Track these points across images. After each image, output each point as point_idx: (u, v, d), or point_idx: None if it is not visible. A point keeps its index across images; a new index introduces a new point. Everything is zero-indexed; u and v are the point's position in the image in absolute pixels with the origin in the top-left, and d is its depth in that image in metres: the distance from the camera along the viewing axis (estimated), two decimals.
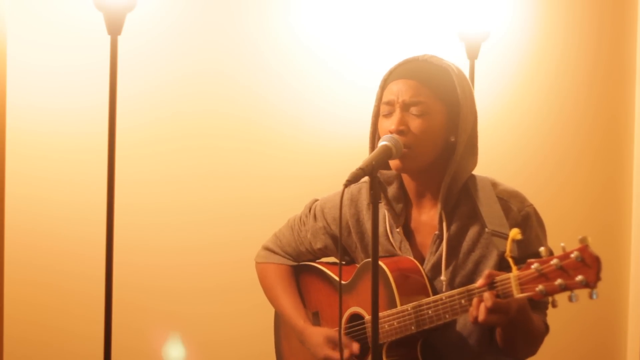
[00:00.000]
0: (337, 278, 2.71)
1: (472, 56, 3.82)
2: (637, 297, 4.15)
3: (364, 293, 2.60)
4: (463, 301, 2.40)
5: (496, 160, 3.94)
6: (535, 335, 2.50)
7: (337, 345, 2.62)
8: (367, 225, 2.67)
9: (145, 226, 3.77)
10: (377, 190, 2.34)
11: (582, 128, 4.17)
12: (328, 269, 2.78)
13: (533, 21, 4.10)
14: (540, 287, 2.22)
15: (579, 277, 2.17)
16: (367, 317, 2.60)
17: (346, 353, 2.60)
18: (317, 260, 2.83)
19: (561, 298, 2.22)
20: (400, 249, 2.61)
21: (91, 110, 3.69)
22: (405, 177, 2.62)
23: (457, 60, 2.90)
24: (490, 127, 3.88)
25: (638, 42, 4.17)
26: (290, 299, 2.80)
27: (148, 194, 3.78)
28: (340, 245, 2.61)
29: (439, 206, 2.55)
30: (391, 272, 2.53)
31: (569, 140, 4.16)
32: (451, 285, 2.53)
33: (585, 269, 2.17)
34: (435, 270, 2.56)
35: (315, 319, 2.77)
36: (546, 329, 2.55)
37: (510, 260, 2.29)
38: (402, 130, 2.51)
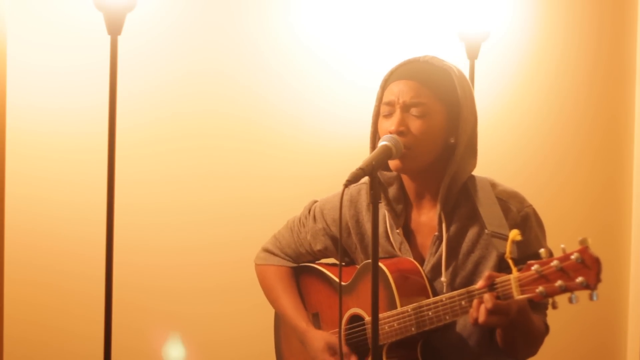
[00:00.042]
0: (337, 279, 2.71)
1: (472, 56, 3.82)
2: (637, 297, 4.15)
3: (364, 294, 2.60)
4: (463, 302, 2.40)
5: (496, 160, 3.94)
6: (536, 336, 2.50)
7: (337, 351, 2.62)
8: (367, 226, 2.67)
9: (145, 226, 3.77)
10: (377, 191, 2.34)
11: (582, 128, 4.17)
12: (328, 270, 2.78)
13: (533, 21, 4.10)
14: (540, 288, 2.22)
15: (579, 279, 2.17)
16: (367, 318, 2.60)
17: None
18: (317, 262, 2.83)
19: (561, 299, 2.23)
20: (400, 250, 2.61)
21: (91, 110, 3.69)
22: (405, 178, 2.62)
23: (457, 60, 2.91)
24: (490, 127, 3.88)
25: (638, 42, 4.17)
26: (290, 300, 2.80)
27: (148, 194, 3.78)
28: (340, 246, 2.61)
29: (438, 207, 2.55)
30: (391, 273, 2.53)
31: (569, 140, 4.16)
32: (451, 286, 2.53)
33: (585, 270, 2.17)
34: (435, 271, 2.56)
35: (315, 320, 2.77)
36: (546, 329, 2.55)
37: (510, 261, 2.29)
38: (402, 131, 2.51)
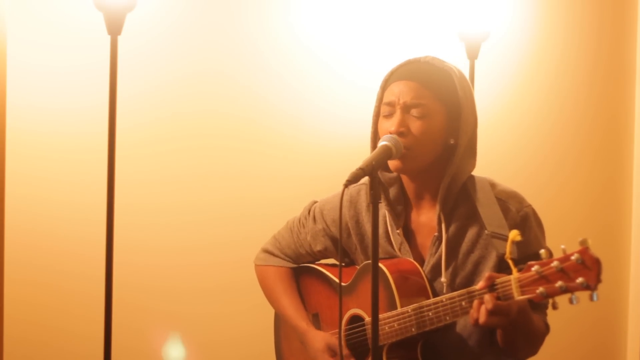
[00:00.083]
0: (337, 280, 2.71)
1: (472, 56, 3.82)
2: (637, 297, 4.15)
3: (364, 295, 2.60)
4: (463, 303, 2.40)
5: (496, 160, 3.94)
6: (536, 336, 2.50)
7: (337, 352, 2.62)
8: (367, 226, 2.67)
9: (145, 226, 3.77)
10: (377, 191, 2.34)
11: (582, 128, 4.17)
12: (328, 270, 2.78)
13: (533, 21, 4.10)
14: (540, 289, 2.22)
15: (580, 280, 2.17)
16: (368, 318, 2.61)
17: None
18: (317, 262, 2.83)
19: (561, 299, 2.23)
20: (400, 250, 2.61)
21: (91, 110, 3.69)
22: (405, 179, 2.62)
23: (457, 60, 2.91)
24: (490, 127, 3.88)
25: (638, 42, 4.17)
26: (291, 301, 2.80)
27: (148, 194, 3.78)
28: (340, 247, 2.62)
29: (437, 207, 2.55)
30: (391, 273, 2.53)
31: (569, 140, 4.16)
32: (451, 286, 2.53)
33: (585, 271, 2.17)
34: (435, 271, 2.56)
35: (315, 320, 2.77)
36: (547, 328, 2.55)
37: (510, 262, 2.29)
38: (402, 132, 2.51)
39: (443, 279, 2.54)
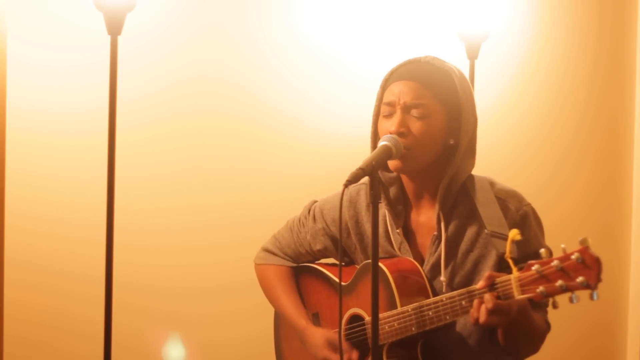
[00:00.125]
0: (336, 279, 2.71)
1: (472, 56, 3.82)
2: (637, 297, 4.15)
3: (364, 294, 2.60)
4: (464, 302, 2.40)
5: (496, 160, 3.94)
6: (537, 334, 2.50)
7: (337, 348, 2.62)
8: (367, 226, 2.67)
9: (145, 226, 3.77)
10: (377, 191, 2.34)
11: (582, 128, 4.17)
12: (328, 270, 2.78)
13: (533, 21, 4.10)
14: (541, 288, 2.22)
15: (580, 279, 2.17)
16: (367, 318, 2.60)
17: (345, 358, 2.60)
18: (317, 262, 2.83)
19: (561, 299, 2.23)
20: (400, 250, 2.61)
21: (91, 110, 3.69)
22: (404, 179, 2.62)
23: (457, 60, 2.91)
24: (490, 127, 3.88)
25: (638, 42, 4.17)
26: (290, 299, 2.80)
27: (148, 194, 3.78)
28: (340, 246, 2.61)
29: (437, 207, 2.55)
30: (391, 273, 2.53)
31: (569, 140, 4.16)
32: (450, 285, 2.53)
33: (585, 270, 2.17)
34: (435, 270, 2.56)
35: (315, 320, 2.77)
36: (548, 327, 2.55)
37: (510, 261, 2.29)
38: (402, 132, 2.50)
39: (442, 277, 2.54)
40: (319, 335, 2.69)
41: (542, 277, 2.23)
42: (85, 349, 3.68)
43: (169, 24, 3.79)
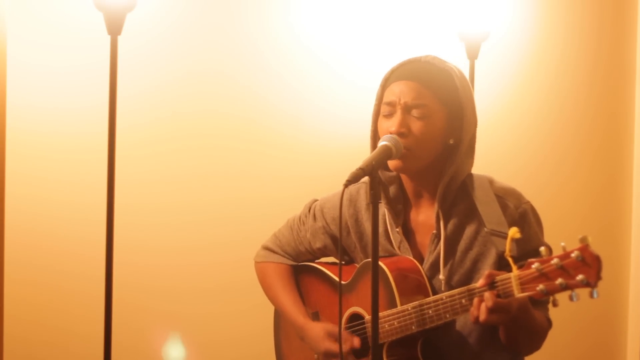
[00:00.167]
0: (336, 278, 2.71)
1: (472, 56, 3.82)
2: (637, 296, 4.15)
3: (364, 293, 2.60)
4: (464, 301, 2.40)
5: (496, 160, 3.94)
6: (538, 331, 2.50)
7: (337, 338, 2.61)
8: (366, 225, 2.67)
9: (145, 226, 3.77)
10: (377, 190, 2.34)
11: (582, 128, 4.17)
12: (327, 269, 2.78)
13: (533, 21, 4.10)
14: (541, 286, 2.23)
15: (580, 277, 2.17)
16: (367, 317, 2.60)
17: (347, 346, 2.60)
18: (317, 260, 2.83)
19: (561, 296, 2.23)
20: (399, 248, 2.61)
21: (91, 110, 3.69)
22: (404, 178, 2.62)
23: (457, 60, 2.91)
24: (490, 127, 3.88)
25: (638, 42, 4.17)
26: (289, 297, 2.80)
27: (148, 194, 3.78)
28: (340, 245, 2.61)
29: (436, 205, 2.55)
30: (391, 272, 2.53)
31: (569, 140, 4.16)
32: (449, 283, 2.53)
33: (585, 268, 2.17)
34: (434, 269, 2.56)
35: (315, 319, 2.77)
36: (549, 324, 2.55)
37: (510, 259, 2.29)
38: (402, 132, 2.50)
39: (441, 276, 2.53)
40: (318, 329, 2.69)
41: (542, 275, 2.23)
42: (85, 349, 3.68)
43: (169, 24, 3.79)
